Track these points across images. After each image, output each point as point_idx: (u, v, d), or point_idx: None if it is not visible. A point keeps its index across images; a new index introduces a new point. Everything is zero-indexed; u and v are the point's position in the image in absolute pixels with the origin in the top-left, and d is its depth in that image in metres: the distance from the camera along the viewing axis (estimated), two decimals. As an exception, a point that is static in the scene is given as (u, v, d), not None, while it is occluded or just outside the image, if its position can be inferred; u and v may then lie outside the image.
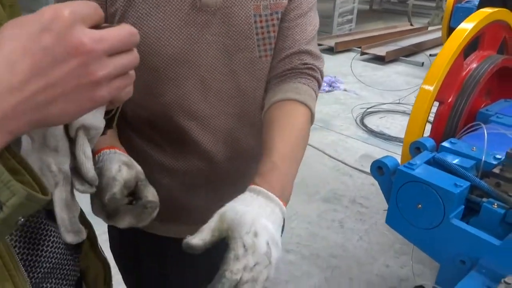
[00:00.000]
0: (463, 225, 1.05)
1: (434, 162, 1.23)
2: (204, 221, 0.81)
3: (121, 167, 0.65)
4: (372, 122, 4.07)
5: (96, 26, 0.37)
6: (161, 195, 0.79)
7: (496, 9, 1.65)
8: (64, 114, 0.37)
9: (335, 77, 5.31)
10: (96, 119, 0.43)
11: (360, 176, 3.03)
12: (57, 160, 0.44)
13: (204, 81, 0.74)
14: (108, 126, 0.56)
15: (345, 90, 5.00)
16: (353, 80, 5.31)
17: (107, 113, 0.54)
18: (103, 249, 0.73)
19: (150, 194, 0.66)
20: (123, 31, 0.38)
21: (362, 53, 6.43)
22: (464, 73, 1.59)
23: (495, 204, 1.09)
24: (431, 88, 1.47)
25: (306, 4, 0.81)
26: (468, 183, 1.09)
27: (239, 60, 0.75)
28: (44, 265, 0.55)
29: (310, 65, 0.83)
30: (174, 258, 0.88)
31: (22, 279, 0.45)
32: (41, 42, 0.34)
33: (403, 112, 4.21)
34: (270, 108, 0.78)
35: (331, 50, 6.72)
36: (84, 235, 0.53)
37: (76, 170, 0.44)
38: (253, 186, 0.64)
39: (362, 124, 4.01)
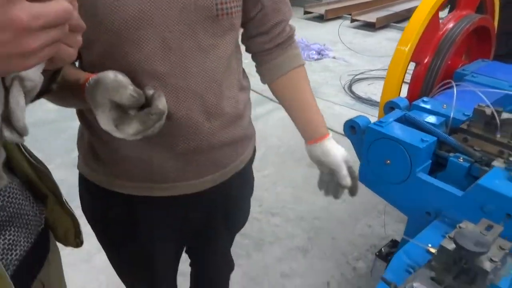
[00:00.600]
0: (428, 178, 1.09)
1: (405, 120, 1.26)
2: (170, 179, 0.84)
3: (117, 73, 0.67)
4: (360, 89, 4.08)
5: None
6: (124, 153, 0.81)
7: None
8: (6, 69, 0.39)
9: (324, 45, 5.27)
10: (33, 72, 0.45)
11: (346, 142, 3.05)
12: None
13: (165, 41, 0.75)
14: (52, 80, 0.58)
15: (334, 57, 4.97)
16: (343, 47, 5.28)
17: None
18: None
19: (161, 103, 0.68)
20: (59, 8, 0.40)
21: (352, 20, 6.36)
22: (441, 33, 1.59)
23: (461, 158, 1.13)
24: (406, 48, 1.47)
25: None
26: (434, 138, 1.12)
27: (198, 18, 0.76)
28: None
29: (292, 31, 0.99)
30: (143, 216, 0.91)
31: None
32: None
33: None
34: (289, 74, 0.98)
35: (321, 18, 6.63)
36: (3, 182, 0.53)
37: (7, 119, 0.45)
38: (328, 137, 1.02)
39: (350, 91, 4.01)
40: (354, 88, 4.06)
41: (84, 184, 0.93)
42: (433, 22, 1.53)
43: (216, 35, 0.79)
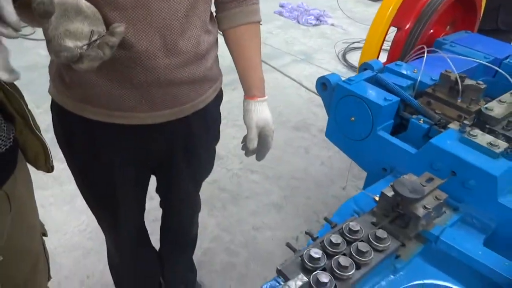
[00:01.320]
0: (387, 135, 1.15)
1: (375, 81, 1.30)
2: (128, 108, 0.89)
3: None
4: (354, 58, 4.06)
5: None
6: (87, 78, 0.85)
7: None
8: None
9: (324, 11, 5.19)
10: None
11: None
12: None
13: None
14: None
15: (332, 25, 4.92)
16: (342, 15, 5.20)
17: None
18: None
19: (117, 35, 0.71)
20: None
21: (356, -12, 6.23)
22: (423, 1, 1.60)
23: (422, 120, 1.18)
24: (387, 12, 1.49)
25: None
26: (397, 99, 1.17)
27: None
28: None
29: None
30: (103, 142, 0.97)
31: None
32: None
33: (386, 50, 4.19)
34: (238, 29, 1.03)
35: (324, -17, 6.49)
36: (17, 75, 0.58)
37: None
38: (257, 99, 1.07)
39: (343, 59, 4.01)
40: (348, 56, 4.05)
41: (54, 108, 0.98)
42: (417, -12, 1.54)
43: None
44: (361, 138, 1.21)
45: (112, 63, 0.80)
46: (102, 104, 0.89)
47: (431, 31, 1.73)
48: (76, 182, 1.10)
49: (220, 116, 1.18)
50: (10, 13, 0.50)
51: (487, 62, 1.44)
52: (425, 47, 1.37)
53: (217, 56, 1.04)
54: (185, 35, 0.87)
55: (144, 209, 1.27)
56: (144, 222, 1.32)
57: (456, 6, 1.78)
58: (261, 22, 1.09)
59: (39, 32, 1.86)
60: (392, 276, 0.83)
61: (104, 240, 1.35)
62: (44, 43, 0.70)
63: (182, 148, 1.08)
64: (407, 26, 1.60)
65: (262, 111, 1.07)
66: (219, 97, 1.10)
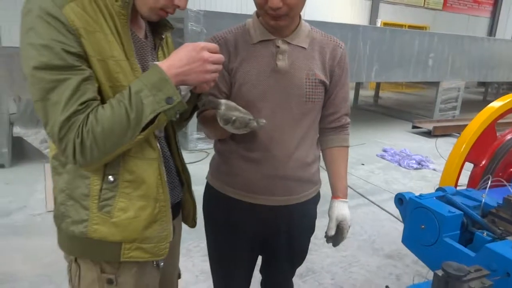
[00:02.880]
0: (450, 241, 1.38)
1: (446, 201, 1.57)
2: (258, 192, 1.33)
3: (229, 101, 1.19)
4: (455, 200, 4.14)
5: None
6: (235, 171, 1.35)
7: (533, 93, 1.95)
8: (193, 82, 0.96)
9: (426, 157, 5.48)
10: (186, 88, 1.01)
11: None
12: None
13: (273, 110, 1.30)
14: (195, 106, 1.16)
15: (434, 169, 5.13)
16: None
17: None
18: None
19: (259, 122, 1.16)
20: (220, 57, 0.97)
21: (461, 139, 6.46)
22: (497, 142, 1.89)
23: (485, 233, 1.40)
24: (461, 149, 1.81)
25: (346, 83, 1.43)
26: (460, 212, 1.42)
27: (294, 100, 1.31)
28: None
29: (348, 123, 1.50)
30: (235, 213, 1.40)
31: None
32: (191, 52, 0.94)
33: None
34: (333, 150, 1.47)
35: (428, 133, 6.88)
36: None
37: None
38: (340, 199, 1.44)
39: (444, 201, 4.12)
40: (448, 199, 4.15)
41: (208, 189, 1.48)
42: (489, 133, 1.85)
43: (303, 112, 1.33)
44: (430, 243, 1.44)
45: (252, 162, 1.29)
46: (241, 187, 1.36)
47: (511, 169, 1.95)
48: (207, 243, 1.52)
49: (316, 213, 1.55)
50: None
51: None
52: (490, 176, 1.62)
53: (319, 168, 1.48)
54: (299, 150, 1.35)
55: (249, 281, 1.61)
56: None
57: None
58: (348, 146, 1.52)
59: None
60: None
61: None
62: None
63: (285, 232, 1.45)
64: (482, 163, 1.88)
65: (342, 209, 1.43)
66: (317, 196, 1.51)
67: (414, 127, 7.28)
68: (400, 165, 5.27)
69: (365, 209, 3.85)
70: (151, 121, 0.92)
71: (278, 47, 1.30)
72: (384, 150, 5.81)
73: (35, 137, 4.31)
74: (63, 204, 1.00)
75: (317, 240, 3.11)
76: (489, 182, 1.56)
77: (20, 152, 4.71)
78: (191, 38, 4.73)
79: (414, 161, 5.25)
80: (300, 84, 1.31)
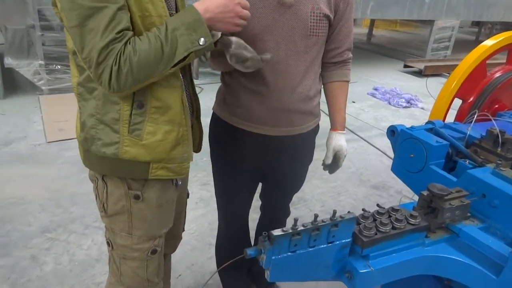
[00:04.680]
0: (436, 168, 1.52)
1: (434, 133, 1.69)
2: (262, 123, 1.43)
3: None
4: (440, 138, 4.33)
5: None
6: (240, 102, 1.42)
7: (525, 32, 2.02)
8: (220, 28, 1.02)
9: (416, 96, 5.60)
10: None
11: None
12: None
13: (278, 43, 1.35)
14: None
15: (422, 108, 5.27)
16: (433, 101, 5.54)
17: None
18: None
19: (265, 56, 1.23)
20: (246, 3, 1.03)
21: (451, 79, 6.56)
22: (486, 79, 1.98)
23: (467, 161, 1.54)
24: (451, 85, 1.91)
25: (350, 18, 1.46)
26: (447, 143, 1.55)
27: (299, 34, 1.35)
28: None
29: (350, 58, 1.55)
30: (242, 144, 1.50)
31: None
32: (227, 2, 1.00)
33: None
34: (334, 84, 1.55)
35: (419, 73, 6.95)
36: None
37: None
38: (338, 131, 1.56)
39: (429, 138, 4.30)
40: (434, 136, 4.34)
41: (213, 118, 1.57)
42: (480, 69, 1.94)
43: (307, 45, 1.38)
44: (417, 170, 1.59)
45: (257, 94, 1.37)
46: (246, 118, 1.44)
47: (496, 106, 2.07)
48: (213, 170, 1.65)
49: (315, 143, 1.67)
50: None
51: (538, 131, 1.75)
52: (476, 111, 1.74)
53: (319, 101, 1.56)
54: (302, 83, 1.42)
55: (250, 205, 1.76)
56: (248, 216, 1.80)
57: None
58: (349, 81, 1.60)
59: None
60: (420, 247, 1.18)
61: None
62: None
63: (286, 159, 1.57)
64: (470, 99, 1.99)
65: (339, 140, 1.55)
66: (317, 127, 1.61)
67: (405, 66, 7.32)
68: (390, 103, 5.39)
69: (354, 144, 4.01)
70: (184, 58, 0.99)
71: None
72: (375, 89, 5.90)
73: (27, 68, 4.27)
74: (94, 128, 1.08)
75: (308, 173, 3.31)
76: (475, 116, 1.68)
77: (12, 84, 4.68)
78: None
79: (403, 100, 5.38)
80: (305, 18, 1.35)
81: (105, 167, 1.12)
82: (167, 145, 1.09)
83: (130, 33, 0.96)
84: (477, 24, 12.40)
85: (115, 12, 0.92)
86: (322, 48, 1.47)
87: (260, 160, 1.56)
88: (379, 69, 7.34)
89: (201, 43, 0.98)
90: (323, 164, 1.59)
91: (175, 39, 0.96)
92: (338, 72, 1.55)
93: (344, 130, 1.59)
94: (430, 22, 7.90)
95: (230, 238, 1.81)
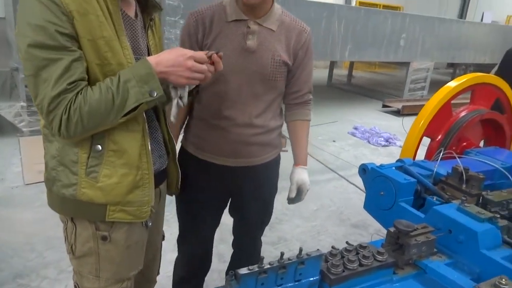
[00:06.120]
0: (405, 205, 1.56)
1: (404, 171, 1.75)
2: (223, 154, 1.53)
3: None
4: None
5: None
6: (202, 136, 1.54)
7: (485, 74, 2.14)
8: (172, 81, 1.07)
9: (394, 134, 5.74)
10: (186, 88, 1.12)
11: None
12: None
13: (240, 85, 1.44)
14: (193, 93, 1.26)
15: (400, 146, 5.39)
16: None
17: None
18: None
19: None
20: (203, 68, 1.08)
21: (428, 118, 6.77)
22: (452, 118, 2.08)
23: (435, 198, 1.59)
24: (419, 124, 1.99)
25: (309, 64, 1.58)
26: (414, 180, 1.60)
27: (259, 78, 1.46)
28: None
29: (310, 99, 1.65)
30: (206, 172, 1.57)
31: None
32: (179, 58, 1.04)
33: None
34: (295, 122, 1.66)
35: (398, 112, 7.16)
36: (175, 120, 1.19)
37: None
38: (300, 166, 1.64)
39: (408, 175, 4.38)
40: (412, 173, 4.42)
41: (181, 152, 1.62)
42: (446, 109, 2.04)
43: (266, 88, 1.49)
44: (388, 207, 1.62)
45: (218, 128, 1.43)
46: (209, 150, 1.54)
47: (464, 143, 2.16)
48: (178, 200, 1.68)
49: (278, 173, 1.75)
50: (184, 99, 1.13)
51: (503, 167, 1.82)
52: (442, 149, 1.81)
53: (280, 133, 1.66)
54: (261, 120, 1.52)
55: (213, 238, 1.83)
56: (211, 250, 1.87)
57: (486, 126, 2.21)
58: (310, 120, 1.71)
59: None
60: (388, 284, 1.19)
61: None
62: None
63: (250, 190, 1.64)
64: (438, 138, 2.07)
65: (302, 174, 1.64)
66: (278, 159, 1.70)
67: (384, 106, 7.55)
68: (369, 142, 5.51)
69: (335, 183, 4.06)
70: (133, 109, 1.03)
71: (249, 27, 1.43)
72: (355, 128, 6.05)
73: (8, 110, 4.28)
74: (54, 169, 1.11)
75: (289, 211, 3.31)
76: (441, 154, 1.74)
77: (-7, 125, 4.66)
78: (167, 12, 4.73)
79: (382, 139, 5.51)
80: (265, 64, 1.46)
81: (65, 208, 1.13)
82: (123, 188, 1.11)
83: (84, 83, 1.00)
84: (452, 65, 12.95)
85: (70, 63, 0.97)
86: (281, 90, 1.58)
87: (223, 190, 1.65)
88: (359, 108, 7.54)
89: (152, 95, 1.02)
90: (288, 197, 1.67)
91: (126, 90, 1.00)
92: (299, 112, 1.67)
93: (306, 165, 1.69)
94: (406, 64, 8.24)
95: (190, 268, 1.85)
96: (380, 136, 5.57)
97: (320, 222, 3.23)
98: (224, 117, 1.48)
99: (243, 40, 1.43)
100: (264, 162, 1.61)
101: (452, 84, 2.03)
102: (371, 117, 6.99)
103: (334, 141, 5.47)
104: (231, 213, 1.79)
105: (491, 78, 2.15)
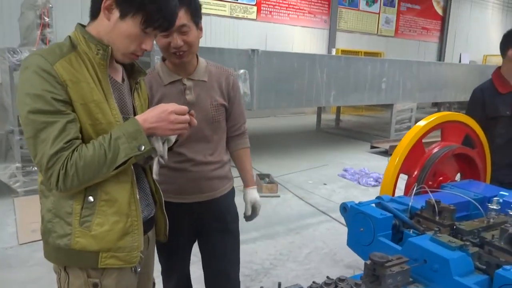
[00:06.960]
0: (384, 239, 1.64)
1: (382, 207, 1.84)
2: (188, 193, 1.75)
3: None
4: (409, 213, 4.49)
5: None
6: (168, 180, 1.68)
7: (452, 113, 2.30)
8: (159, 134, 1.20)
9: (383, 174, 5.86)
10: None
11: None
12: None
13: (191, 133, 1.55)
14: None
15: (390, 185, 5.50)
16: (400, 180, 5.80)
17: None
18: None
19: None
20: (185, 119, 1.22)
21: (416, 156, 6.93)
22: (426, 155, 2.21)
23: (411, 231, 1.68)
24: (394, 162, 2.11)
25: (239, 99, 1.84)
26: (391, 215, 1.70)
27: (205, 122, 1.69)
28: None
29: (246, 129, 1.97)
30: (173, 213, 1.67)
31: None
32: (161, 114, 1.18)
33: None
34: (238, 151, 1.93)
35: (386, 152, 7.33)
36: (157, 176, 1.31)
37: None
38: (250, 187, 1.93)
39: (399, 213, 4.45)
40: (403, 211, 4.50)
41: None
42: (418, 147, 2.17)
43: (212, 129, 1.73)
44: (368, 243, 1.70)
45: (181, 170, 1.66)
46: (174, 191, 1.71)
47: (440, 178, 2.27)
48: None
49: (235, 204, 1.94)
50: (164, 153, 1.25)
51: (474, 199, 1.92)
52: (416, 185, 1.92)
53: (230, 166, 1.89)
54: (215, 156, 1.75)
55: (189, 262, 1.96)
56: (189, 271, 2.00)
57: (459, 161, 2.34)
58: (249, 146, 1.98)
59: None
60: (369, 315, 1.26)
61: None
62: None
63: (214, 219, 1.82)
64: (415, 174, 2.18)
65: (252, 194, 1.94)
66: (233, 189, 1.91)
67: (372, 147, 7.73)
68: (359, 183, 5.61)
69: (327, 225, 4.11)
70: (124, 162, 1.15)
71: (185, 84, 1.68)
72: (345, 170, 6.17)
73: (3, 172, 4.36)
74: (50, 221, 1.20)
75: (283, 256, 3.35)
76: (415, 189, 1.85)
77: (-13, 188, 4.72)
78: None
79: (372, 179, 5.62)
80: (207, 110, 1.72)
81: (59, 257, 1.21)
82: (114, 234, 1.20)
83: (78, 141, 1.13)
84: (436, 104, 13.37)
85: (65, 125, 1.10)
86: (224, 128, 1.83)
87: (193, 225, 1.82)
88: (348, 151, 7.71)
89: (140, 149, 1.15)
90: (244, 216, 1.90)
91: (117, 146, 1.13)
92: (240, 142, 1.93)
93: (254, 186, 1.93)
94: (390, 106, 8.54)
95: None
96: (369, 177, 5.69)
97: (314, 265, 3.26)
98: (184, 160, 1.70)
99: (182, 96, 1.67)
100: (224, 193, 1.83)
101: (422, 123, 2.18)
102: (360, 159, 7.15)
103: (325, 184, 5.57)
104: (201, 250, 1.93)
105: (459, 116, 2.31)
